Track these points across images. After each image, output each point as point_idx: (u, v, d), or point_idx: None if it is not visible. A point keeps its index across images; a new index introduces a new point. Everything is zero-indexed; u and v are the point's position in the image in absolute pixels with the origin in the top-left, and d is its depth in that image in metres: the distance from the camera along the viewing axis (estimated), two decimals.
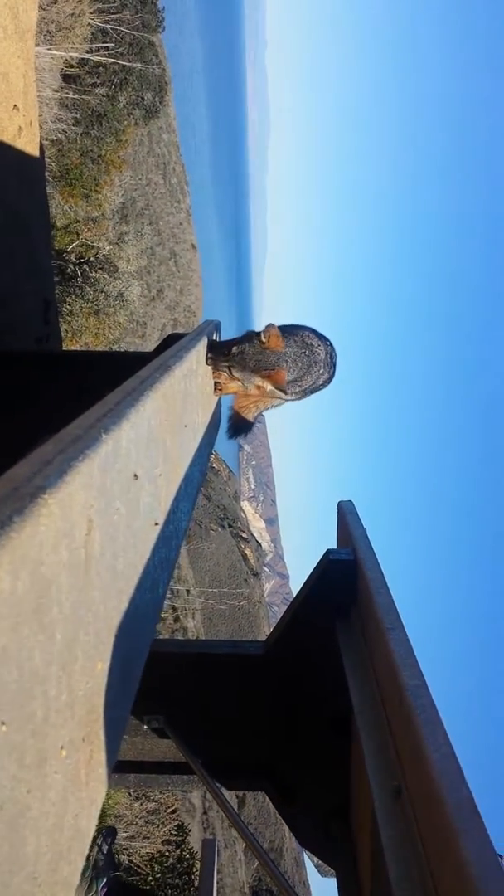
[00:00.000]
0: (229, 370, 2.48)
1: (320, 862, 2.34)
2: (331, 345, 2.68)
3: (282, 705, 2.21)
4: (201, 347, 2.22)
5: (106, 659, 0.87)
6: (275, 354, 2.45)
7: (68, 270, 15.37)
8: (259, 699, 2.24)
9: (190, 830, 12.20)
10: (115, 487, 0.90)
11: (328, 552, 1.83)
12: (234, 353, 2.42)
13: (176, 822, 11.19)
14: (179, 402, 1.62)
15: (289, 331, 2.60)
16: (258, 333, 2.46)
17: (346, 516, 1.98)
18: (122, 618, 0.95)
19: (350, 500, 2.11)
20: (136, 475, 1.04)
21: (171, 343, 2.34)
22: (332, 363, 2.68)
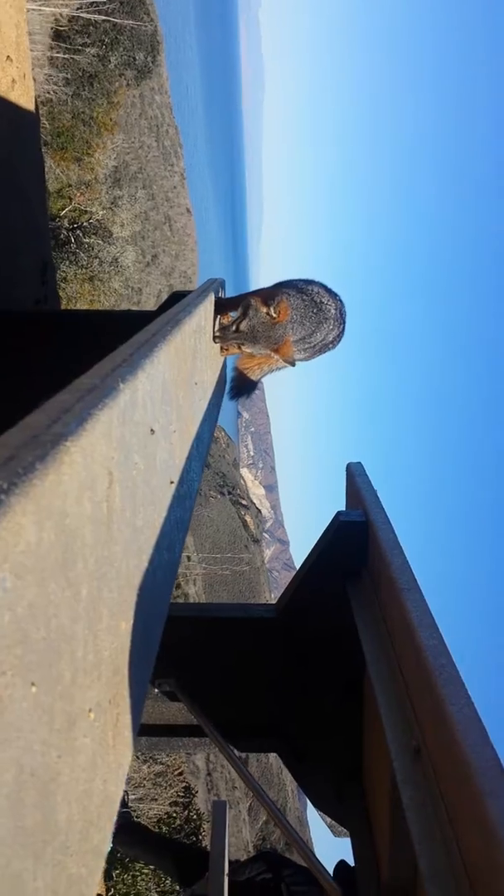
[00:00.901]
0: (239, 347, 2.47)
1: (333, 822, 2.35)
2: (341, 301, 2.64)
3: (293, 668, 2.21)
4: (209, 304, 2.17)
5: (129, 619, 0.83)
6: (283, 327, 2.41)
7: (61, 236, 15.21)
8: (270, 662, 2.23)
9: (196, 792, 12.47)
10: (134, 441, 0.86)
11: (339, 514, 1.80)
12: (244, 330, 2.38)
13: (183, 784, 11.43)
14: (190, 358, 1.57)
15: (300, 286, 2.55)
16: (267, 304, 2.39)
17: (356, 478, 1.94)
18: (142, 577, 0.92)
19: (359, 462, 2.07)
20: (152, 430, 1.00)
21: (175, 301, 2.29)
22: (341, 320, 2.64)
